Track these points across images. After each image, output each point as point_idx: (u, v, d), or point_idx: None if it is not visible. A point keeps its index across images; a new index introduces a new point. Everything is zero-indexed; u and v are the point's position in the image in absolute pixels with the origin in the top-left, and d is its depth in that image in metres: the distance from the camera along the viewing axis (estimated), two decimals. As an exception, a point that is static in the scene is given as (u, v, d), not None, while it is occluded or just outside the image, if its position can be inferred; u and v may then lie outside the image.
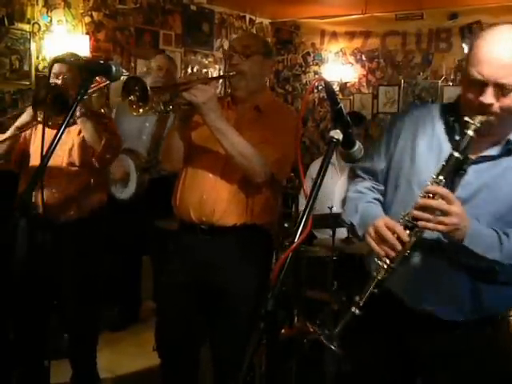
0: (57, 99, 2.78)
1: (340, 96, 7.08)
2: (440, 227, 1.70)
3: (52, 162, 3.11)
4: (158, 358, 2.80)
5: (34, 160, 3.19)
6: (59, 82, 3.06)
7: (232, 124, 2.48)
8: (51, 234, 3.13)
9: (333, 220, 3.56)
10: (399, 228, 1.76)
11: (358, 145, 1.76)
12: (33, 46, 5.16)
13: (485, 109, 1.73)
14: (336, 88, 7.13)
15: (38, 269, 3.13)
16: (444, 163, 1.76)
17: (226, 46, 7.04)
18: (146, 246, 4.60)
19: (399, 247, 1.74)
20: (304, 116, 7.19)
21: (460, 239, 1.72)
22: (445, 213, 1.69)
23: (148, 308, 4.80)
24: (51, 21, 5.27)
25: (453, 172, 1.78)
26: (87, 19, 5.59)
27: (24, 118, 3.04)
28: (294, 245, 1.42)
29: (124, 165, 4.24)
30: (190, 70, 6.54)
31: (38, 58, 5.21)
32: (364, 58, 7.14)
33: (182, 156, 2.62)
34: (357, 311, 1.66)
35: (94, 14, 5.65)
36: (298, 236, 1.43)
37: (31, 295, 3.20)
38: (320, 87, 7.13)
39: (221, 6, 6.93)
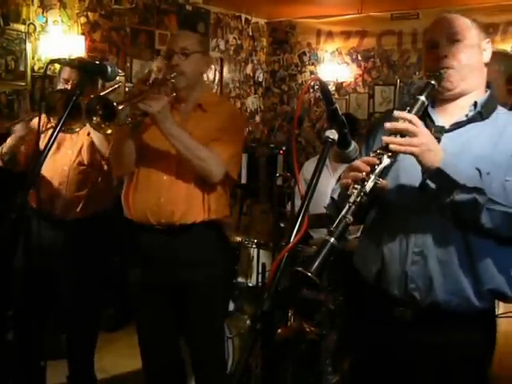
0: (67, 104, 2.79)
1: (336, 96, 7.08)
2: (411, 148, 1.70)
3: (62, 162, 3.16)
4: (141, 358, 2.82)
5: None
6: (69, 87, 3.08)
7: (178, 123, 2.51)
8: (54, 232, 3.15)
9: (329, 220, 3.55)
10: (368, 157, 1.76)
11: (353, 145, 1.76)
12: (28, 46, 5.15)
13: (441, 62, 1.88)
14: (332, 88, 7.13)
15: (37, 267, 3.13)
16: (409, 107, 1.80)
17: (222, 46, 7.05)
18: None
19: (367, 168, 1.71)
20: (300, 116, 7.19)
21: (435, 164, 1.71)
22: (413, 134, 1.70)
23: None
24: (47, 21, 5.26)
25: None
26: (83, 19, 5.58)
27: (16, 136, 3.08)
28: (290, 245, 1.42)
29: None
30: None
31: (33, 58, 5.20)
32: (360, 57, 7.14)
33: (133, 161, 2.64)
34: (332, 239, 1.60)
35: (90, 14, 5.64)
36: (293, 236, 1.43)
37: (30, 295, 3.19)
38: (316, 87, 7.13)
39: (216, 5, 6.93)
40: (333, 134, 1.62)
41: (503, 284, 1.86)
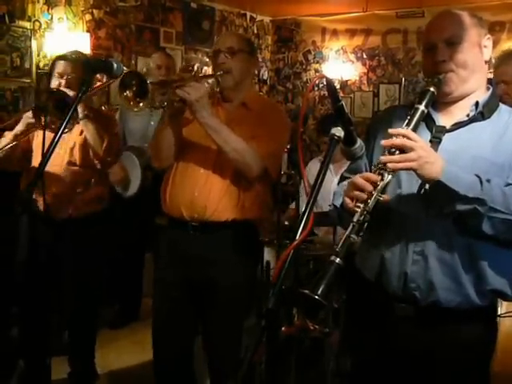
0: (58, 103, 2.77)
1: (341, 94, 7.06)
2: (409, 164, 1.69)
3: (53, 161, 3.09)
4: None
5: (36, 159, 3.17)
6: (63, 81, 3.05)
7: (222, 121, 2.50)
8: (51, 232, 3.13)
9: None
10: (369, 174, 1.76)
11: (359, 142, 1.75)
12: (34, 43, 5.16)
13: (439, 66, 1.85)
14: (337, 86, 7.12)
15: (39, 265, 3.13)
16: (409, 116, 1.80)
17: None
18: (148, 244, 4.59)
19: (370, 187, 1.71)
20: (304, 114, 7.19)
21: (434, 176, 1.71)
22: (410, 149, 1.69)
23: (148, 306, 4.79)
24: (52, 18, 5.28)
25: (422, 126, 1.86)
26: (88, 17, 5.59)
27: (20, 127, 2.99)
28: (295, 243, 1.42)
29: (124, 167, 4.23)
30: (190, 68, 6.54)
31: (38, 55, 5.22)
32: (365, 55, 7.14)
33: (172, 153, 2.63)
34: (337, 260, 1.59)
35: (95, 11, 5.65)
36: (298, 234, 1.43)
37: (33, 292, 3.20)
38: (321, 85, 7.13)
39: (221, 3, 6.93)
40: (339, 132, 1.62)
41: (504, 284, 1.86)
